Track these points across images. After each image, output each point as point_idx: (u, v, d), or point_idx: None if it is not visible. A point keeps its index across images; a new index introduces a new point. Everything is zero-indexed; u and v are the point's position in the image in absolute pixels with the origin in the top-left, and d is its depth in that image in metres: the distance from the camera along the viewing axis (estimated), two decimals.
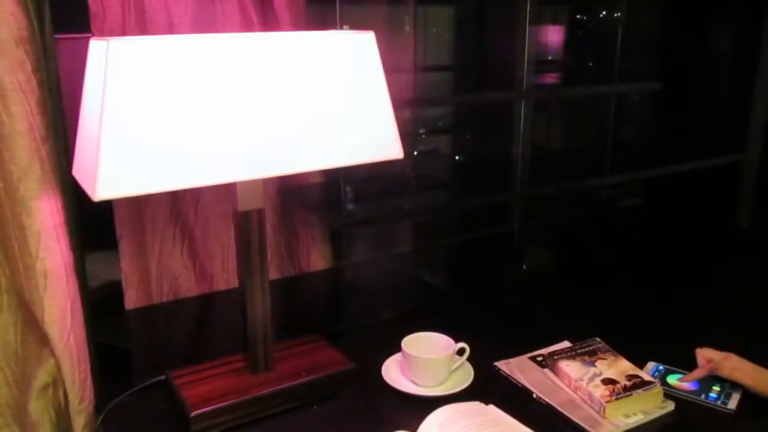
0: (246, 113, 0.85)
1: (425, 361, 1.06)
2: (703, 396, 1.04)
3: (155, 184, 0.81)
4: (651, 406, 1.00)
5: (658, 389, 1.01)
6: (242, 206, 0.96)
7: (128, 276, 1.32)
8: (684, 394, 1.04)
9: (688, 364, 1.10)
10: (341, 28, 1.33)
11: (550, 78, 2.02)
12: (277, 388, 1.01)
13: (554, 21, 2.02)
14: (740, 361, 1.05)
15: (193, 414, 0.94)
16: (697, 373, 1.07)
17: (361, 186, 1.54)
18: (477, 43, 1.91)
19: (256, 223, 0.98)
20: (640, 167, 1.85)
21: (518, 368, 1.12)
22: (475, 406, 0.99)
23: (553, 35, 2.02)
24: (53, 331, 0.92)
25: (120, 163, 0.78)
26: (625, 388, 1.00)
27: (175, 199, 1.33)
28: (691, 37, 2.02)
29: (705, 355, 1.08)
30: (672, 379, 1.09)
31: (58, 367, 0.95)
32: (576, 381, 1.04)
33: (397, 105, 1.00)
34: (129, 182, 0.79)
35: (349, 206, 1.48)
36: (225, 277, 1.43)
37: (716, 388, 1.06)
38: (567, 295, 1.47)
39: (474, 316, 1.35)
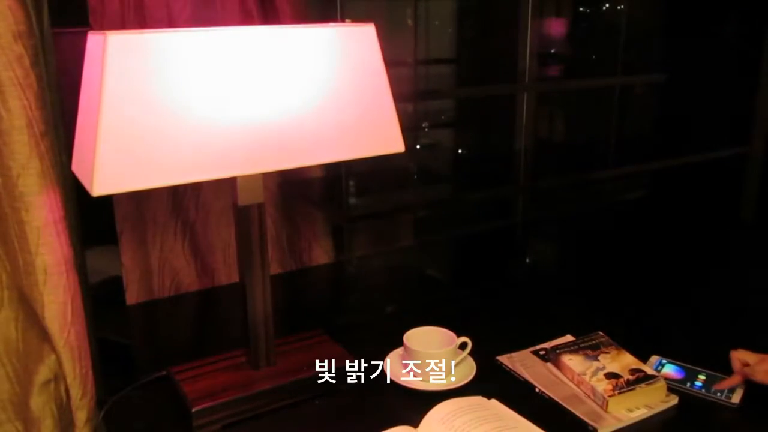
0: (245, 107, 0.85)
1: (427, 356, 1.05)
2: (688, 384, 1.04)
3: (154, 180, 0.80)
4: (654, 400, 1.00)
5: (662, 383, 1.01)
6: (242, 201, 0.96)
7: (129, 271, 1.32)
8: (670, 382, 1.03)
9: (691, 359, 1.10)
10: (342, 21, 1.32)
11: (553, 71, 2.01)
12: (279, 383, 1.00)
13: (557, 13, 2.01)
14: None
15: (194, 409, 0.94)
16: (733, 380, 1.01)
17: (363, 180, 1.54)
18: (479, 36, 1.90)
19: (256, 218, 0.97)
20: (644, 160, 1.85)
21: (521, 362, 1.12)
22: (478, 400, 0.99)
23: (556, 28, 2.00)
24: (54, 327, 0.92)
25: (118, 158, 0.77)
26: (628, 383, 1.00)
27: (176, 194, 1.33)
28: (696, 29, 2.01)
29: (740, 358, 1.02)
30: (664, 369, 1.08)
31: (59, 363, 0.95)
32: (579, 375, 1.03)
33: (399, 98, 0.99)
34: (127, 177, 0.78)
35: (351, 200, 1.48)
36: (226, 271, 1.43)
37: (702, 377, 1.05)
38: (570, 289, 1.46)
39: (476, 311, 1.34)
